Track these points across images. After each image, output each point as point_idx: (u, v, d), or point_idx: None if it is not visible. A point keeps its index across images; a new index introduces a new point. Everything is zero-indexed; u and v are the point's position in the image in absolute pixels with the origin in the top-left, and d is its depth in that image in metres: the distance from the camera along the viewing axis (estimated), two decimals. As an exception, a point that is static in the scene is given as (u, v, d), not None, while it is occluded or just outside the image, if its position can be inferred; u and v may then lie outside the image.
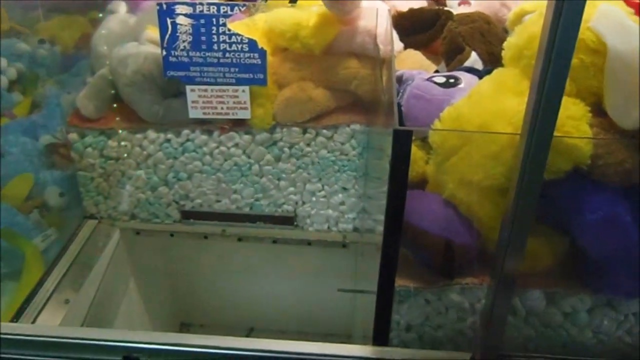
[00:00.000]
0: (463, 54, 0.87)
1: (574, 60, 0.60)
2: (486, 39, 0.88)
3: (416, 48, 1.01)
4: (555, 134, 0.57)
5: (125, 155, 1.11)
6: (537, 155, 0.55)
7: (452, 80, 0.75)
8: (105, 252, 1.13)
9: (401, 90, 0.79)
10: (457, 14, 0.94)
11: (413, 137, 0.74)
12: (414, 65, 0.98)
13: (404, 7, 1.08)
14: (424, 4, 1.13)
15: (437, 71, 0.94)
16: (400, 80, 0.82)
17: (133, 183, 1.13)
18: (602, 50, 0.59)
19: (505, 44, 0.70)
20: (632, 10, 0.63)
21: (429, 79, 0.76)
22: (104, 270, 1.12)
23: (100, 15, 1.21)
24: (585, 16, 0.60)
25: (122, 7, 1.19)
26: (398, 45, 1.01)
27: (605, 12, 0.59)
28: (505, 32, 0.88)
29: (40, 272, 1.04)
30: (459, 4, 1.05)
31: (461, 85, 0.74)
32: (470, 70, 0.79)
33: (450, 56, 0.91)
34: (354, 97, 1.07)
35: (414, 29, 1.00)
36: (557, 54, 0.51)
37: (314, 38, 1.00)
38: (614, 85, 0.58)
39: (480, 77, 0.77)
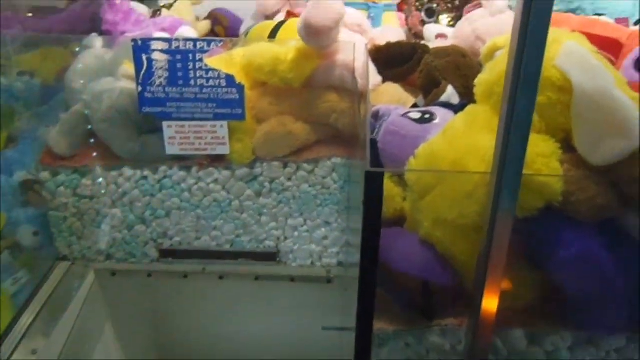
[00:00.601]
0: (439, 88, 0.91)
1: (541, 98, 0.64)
2: (462, 73, 0.92)
3: (394, 81, 1.05)
4: (526, 171, 0.60)
5: (102, 192, 1.12)
6: (507, 193, 0.58)
7: (427, 116, 0.78)
8: (79, 295, 1.14)
9: (377, 126, 0.82)
10: (434, 48, 0.98)
11: (389, 175, 0.78)
12: (392, 98, 1.01)
13: (382, 40, 1.12)
14: (403, 36, 1.17)
15: (415, 104, 0.98)
16: (376, 116, 0.85)
17: (108, 222, 1.14)
18: (569, 88, 0.62)
19: (476, 80, 0.73)
20: (595, 49, 0.66)
21: (405, 115, 0.79)
22: (77, 314, 1.12)
23: (78, 49, 1.24)
24: (550, 54, 0.64)
25: (98, 42, 1.22)
26: (376, 78, 1.05)
27: (570, 50, 0.63)
28: (481, 65, 0.92)
29: (8, 319, 1.03)
30: (436, 37, 1.09)
31: (436, 121, 0.77)
32: (446, 105, 0.83)
33: (428, 90, 0.94)
34: (334, 131, 1.09)
35: (391, 62, 1.04)
36: (521, 93, 0.54)
37: (293, 72, 1.03)
38: (582, 123, 0.61)
39: (456, 112, 0.80)
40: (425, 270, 0.67)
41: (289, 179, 1.11)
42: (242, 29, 1.54)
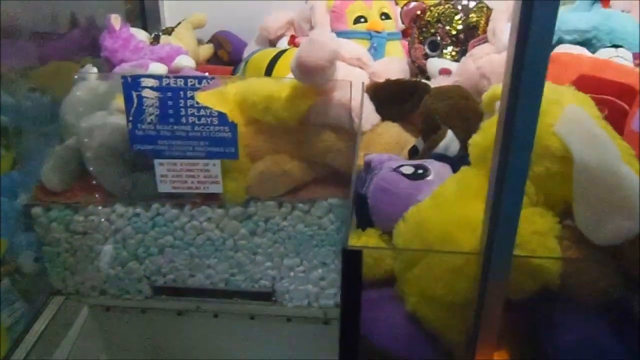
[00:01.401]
0: (439, 133, 0.85)
1: (539, 169, 0.58)
2: (463, 116, 0.86)
3: (394, 120, 0.99)
4: (519, 252, 0.55)
5: (94, 229, 1.09)
6: (496, 276, 0.52)
7: (420, 172, 0.73)
8: (73, 329, 1.11)
9: (368, 180, 0.76)
10: (434, 88, 0.92)
11: (379, 232, 0.73)
12: (390, 139, 0.96)
13: (384, 74, 1.07)
14: (406, 68, 1.11)
15: (414, 146, 0.92)
16: (368, 166, 0.80)
17: (102, 258, 1.11)
18: (570, 158, 0.56)
19: (470, 141, 0.68)
20: (600, 115, 0.60)
21: (397, 169, 0.74)
22: (70, 350, 1.09)
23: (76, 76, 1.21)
24: (550, 118, 0.59)
25: (93, 73, 1.19)
26: (374, 117, 0.99)
27: (572, 116, 0.57)
28: (484, 109, 0.86)
29: (3, 353, 1.01)
30: (440, 72, 1.03)
31: (430, 177, 0.72)
32: (443, 157, 0.77)
33: (427, 133, 0.89)
34: (331, 170, 1.05)
35: (391, 100, 0.99)
36: (512, 168, 0.49)
37: (287, 110, 0.98)
38: (583, 199, 0.55)
39: (452, 165, 0.75)
40: (409, 349, 0.61)
41: (285, 219, 1.06)
42: (245, 53, 1.50)
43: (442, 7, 1.06)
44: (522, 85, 0.49)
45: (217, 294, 1.14)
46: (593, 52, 1.18)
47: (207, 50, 1.53)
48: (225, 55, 1.54)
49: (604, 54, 1.14)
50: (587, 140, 0.54)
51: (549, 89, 0.64)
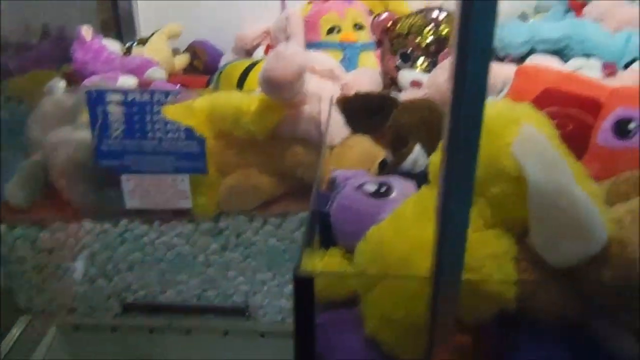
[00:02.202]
0: (406, 148, 0.84)
1: (496, 190, 0.58)
2: (431, 130, 0.85)
3: (364, 133, 0.99)
4: (472, 275, 0.54)
5: (61, 246, 1.08)
6: (445, 300, 0.51)
7: (383, 190, 0.72)
8: (40, 350, 1.09)
9: (332, 197, 0.76)
10: (403, 102, 0.92)
11: (342, 252, 0.72)
12: (360, 152, 0.95)
13: (356, 85, 1.06)
14: (379, 80, 1.11)
15: (384, 159, 0.92)
16: (333, 183, 0.79)
17: (69, 276, 1.09)
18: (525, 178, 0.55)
19: (429, 160, 0.67)
20: (555, 133, 0.60)
21: (360, 187, 0.73)
22: (38, 371, 1.08)
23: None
24: (507, 138, 0.58)
25: (61, 87, 1.17)
26: (344, 131, 0.99)
27: (527, 137, 0.56)
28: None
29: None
30: (411, 84, 1.03)
31: (392, 196, 0.71)
32: (408, 173, 0.77)
33: (395, 147, 0.88)
34: (302, 183, 1.04)
35: (360, 113, 0.98)
36: (456, 187, 0.48)
37: (256, 124, 0.97)
38: (537, 220, 0.54)
39: (418, 182, 0.74)
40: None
41: (256, 233, 1.05)
42: (222, 62, 1.49)
43: (412, 18, 1.06)
44: (463, 100, 0.48)
45: (190, 311, 1.13)
46: (566, 62, 1.19)
47: (182, 59, 1.52)
48: (201, 64, 1.53)
49: (574, 63, 1.15)
50: (541, 161, 0.54)
51: (507, 107, 0.64)
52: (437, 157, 0.64)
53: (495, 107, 0.60)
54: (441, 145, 0.53)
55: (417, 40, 1.03)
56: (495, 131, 0.58)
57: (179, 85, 1.34)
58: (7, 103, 1.23)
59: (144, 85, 1.24)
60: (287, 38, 1.39)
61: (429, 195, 0.63)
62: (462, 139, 0.47)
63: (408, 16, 1.07)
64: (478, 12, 0.43)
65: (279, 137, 1.00)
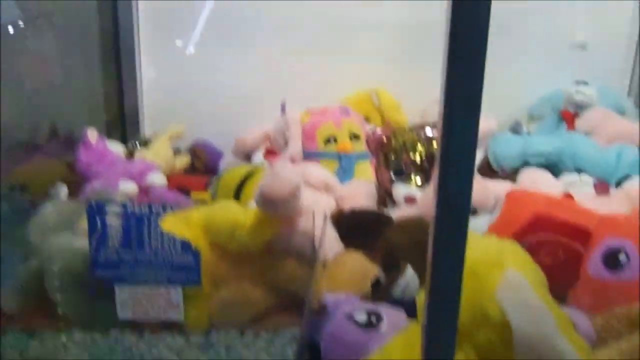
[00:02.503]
0: (399, 269, 0.85)
1: (481, 338, 0.58)
2: (423, 252, 0.86)
3: (358, 249, 1.00)
4: None
5: (50, 356, 1.06)
6: None
7: (373, 320, 0.73)
8: None
9: (323, 323, 0.76)
10: (397, 221, 0.94)
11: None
12: (353, 269, 0.96)
13: (350, 198, 1.09)
14: (374, 192, 1.13)
15: (377, 278, 0.92)
16: (324, 309, 0.79)
17: (57, 386, 1.07)
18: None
19: (417, 295, 0.68)
20: (541, 275, 0.61)
21: (350, 317, 0.74)
22: None
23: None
24: (490, 282, 0.59)
25: (63, 192, 1.20)
26: (337, 246, 1.00)
27: (512, 283, 0.57)
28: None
29: None
30: (405, 200, 1.05)
31: (382, 329, 0.71)
32: (399, 302, 0.77)
33: (388, 267, 0.89)
34: (295, 297, 1.04)
35: (354, 230, 1.00)
36: (438, 325, 0.48)
37: (252, 238, 0.99)
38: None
39: (408, 311, 0.74)
40: None
41: (247, 347, 1.04)
42: (221, 164, 1.53)
43: (406, 135, 1.09)
44: (443, 236, 0.49)
45: None
46: (558, 175, 1.22)
47: (183, 160, 1.56)
48: (202, 165, 1.57)
49: (567, 179, 1.18)
50: (525, 310, 0.55)
51: (491, 247, 0.65)
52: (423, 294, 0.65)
53: (480, 247, 0.62)
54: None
55: (410, 156, 1.06)
56: (480, 274, 0.60)
57: (178, 187, 1.37)
58: (12, 192, 1.26)
59: (144, 191, 1.26)
60: (286, 142, 1.43)
61: (417, 334, 0.63)
62: (443, 275, 0.48)
63: (402, 132, 1.11)
64: (457, 136, 0.46)
65: (273, 251, 1.01)
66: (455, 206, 0.48)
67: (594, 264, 0.79)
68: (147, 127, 1.73)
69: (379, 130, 1.14)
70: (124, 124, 1.69)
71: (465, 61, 0.45)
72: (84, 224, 1.11)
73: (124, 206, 1.00)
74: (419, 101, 1.55)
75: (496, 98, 1.60)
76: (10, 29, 1.32)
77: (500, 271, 0.59)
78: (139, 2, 1.63)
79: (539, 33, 1.67)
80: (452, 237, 0.48)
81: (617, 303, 0.73)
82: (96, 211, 1.01)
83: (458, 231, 0.47)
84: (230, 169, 1.30)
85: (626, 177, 1.16)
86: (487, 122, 1.11)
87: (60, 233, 1.10)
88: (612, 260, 0.78)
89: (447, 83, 0.46)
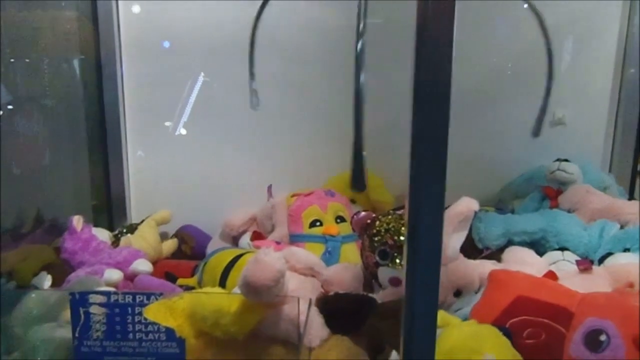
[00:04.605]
0: (383, 354, 0.87)
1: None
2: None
3: (343, 333, 1.01)
4: None
5: None
6: None
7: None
8: None
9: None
10: (380, 304, 0.96)
11: None
12: (340, 355, 0.97)
13: (336, 282, 1.11)
14: (359, 275, 1.16)
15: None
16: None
17: None
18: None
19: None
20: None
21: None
22: None
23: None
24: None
25: (47, 281, 1.22)
26: (323, 332, 1.01)
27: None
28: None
29: None
30: (390, 282, 1.08)
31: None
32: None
33: (373, 351, 0.91)
34: (282, 385, 1.04)
35: (340, 314, 1.01)
36: None
37: (236, 325, 1.00)
38: None
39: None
40: None
41: None
42: (209, 248, 1.55)
43: (390, 217, 1.13)
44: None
45: None
46: (542, 253, 1.25)
47: (170, 245, 1.58)
48: (189, 249, 1.59)
49: (551, 257, 1.21)
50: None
51: (470, 333, 0.68)
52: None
53: (459, 333, 0.65)
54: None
55: (394, 239, 1.09)
56: (459, 361, 0.62)
57: (165, 272, 1.39)
58: (-2, 280, 1.27)
59: (129, 278, 1.28)
60: (273, 226, 1.47)
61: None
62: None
63: (385, 215, 1.15)
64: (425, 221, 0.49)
65: (258, 337, 1.03)
66: (423, 293, 0.51)
67: (575, 345, 0.81)
68: (133, 212, 1.76)
69: (362, 213, 1.18)
70: (110, 209, 1.72)
71: (430, 140, 0.50)
72: (67, 314, 1.13)
73: (108, 296, 1.02)
74: (405, 179, 1.60)
75: (479, 176, 1.68)
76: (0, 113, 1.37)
77: (479, 356, 0.61)
78: (125, 88, 1.71)
79: (520, 110, 1.75)
80: (423, 326, 0.50)
81: (601, 385, 0.75)
82: (79, 302, 1.03)
83: (428, 319, 0.50)
84: (217, 253, 1.33)
85: (608, 254, 1.19)
86: (469, 202, 1.15)
87: (44, 324, 1.12)
88: (593, 341, 0.80)
89: (412, 161, 0.50)
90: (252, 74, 1.35)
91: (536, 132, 1.12)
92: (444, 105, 0.49)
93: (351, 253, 1.30)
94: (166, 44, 1.70)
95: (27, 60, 1.51)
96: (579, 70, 1.74)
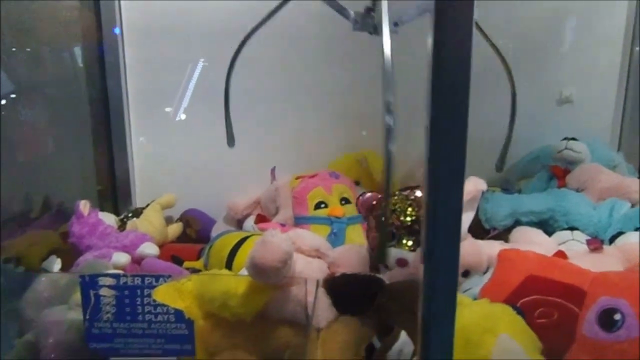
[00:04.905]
0: (392, 335, 0.87)
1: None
2: (416, 317, 0.88)
3: (351, 314, 1.01)
4: None
5: None
6: None
7: (367, 387, 0.73)
8: None
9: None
10: (388, 285, 0.96)
11: None
12: (347, 337, 0.97)
13: (342, 263, 1.11)
14: (365, 255, 1.16)
15: (371, 344, 0.93)
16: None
17: None
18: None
19: None
20: (532, 337, 0.63)
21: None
22: None
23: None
24: (484, 349, 0.61)
25: (57, 265, 1.22)
26: (330, 313, 1.01)
27: (505, 348, 0.59)
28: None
29: None
30: (397, 263, 1.08)
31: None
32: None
33: (382, 332, 0.90)
34: (290, 366, 1.04)
35: (347, 295, 1.01)
36: None
37: (244, 307, 1.01)
38: None
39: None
40: None
41: (242, 420, 1.04)
42: (213, 231, 1.55)
43: (396, 197, 1.12)
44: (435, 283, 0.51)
45: None
46: (550, 233, 1.24)
47: (176, 229, 1.58)
48: (194, 233, 1.59)
49: (560, 237, 1.20)
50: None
51: (484, 312, 0.67)
52: (416, 361, 0.67)
53: (472, 312, 0.64)
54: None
55: (400, 219, 1.09)
56: (474, 341, 0.62)
57: (170, 256, 1.39)
58: (7, 265, 1.27)
59: (136, 261, 1.28)
60: (277, 209, 1.47)
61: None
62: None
63: (391, 195, 1.14)
64: (443, 197, 0.49)
65: (266, 319, 1.03)
66: (443, 269, 0.50)
67: (588, 324, 0.80)
68: (138, 197, 1.76)
69: (368, 194, 1.17)
70: (115, 194, 1.73)
71: (448, 120, 0.49)
72: (77, 297, 1.13)
73: (117, 279, 1.02)
74: (408, 161, 1.60)
75: (485, 157, 1.67)
76: (2, 102, 1.37)
77: (493, 337, 0.61)
78: (128, 72, 1.70)
79: (526, 89, 1.73)
80: (442, 302, 0.50)
81: (614, 363, 0.74)
82: (89, 285, 1.03)
83: (448, 296, 0.50)
84: (222, 236, 1.33)
85: (619, 233, 1.18)
86: (477, 182, 1.14)
87: (54, 306, 1.12)
88: (607, 320, 0.79)
89: (430, 142, 0.49)
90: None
91: (499, 166, 1.10)
92: (464, 76, 0.48)
93: (356, 234, 1.29)
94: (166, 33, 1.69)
95: (29, 49, 1.50)
96: (587, 47, 1.73)
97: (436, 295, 0.53)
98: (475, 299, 0.91)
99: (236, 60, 1.21)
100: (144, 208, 1.55)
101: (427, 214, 0.49)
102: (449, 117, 0.48)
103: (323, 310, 1.01)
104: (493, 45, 1.08)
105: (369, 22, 1.05)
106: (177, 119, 1.70)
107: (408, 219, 1.09)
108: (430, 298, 0.51)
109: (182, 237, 1.61)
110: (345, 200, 1.35)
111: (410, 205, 1.10)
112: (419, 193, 1.12)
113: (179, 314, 1.03)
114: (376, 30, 1.03)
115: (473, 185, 1.12)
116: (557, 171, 1.50)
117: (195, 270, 1.31)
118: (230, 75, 1.20)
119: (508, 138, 0.91)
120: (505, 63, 1.07)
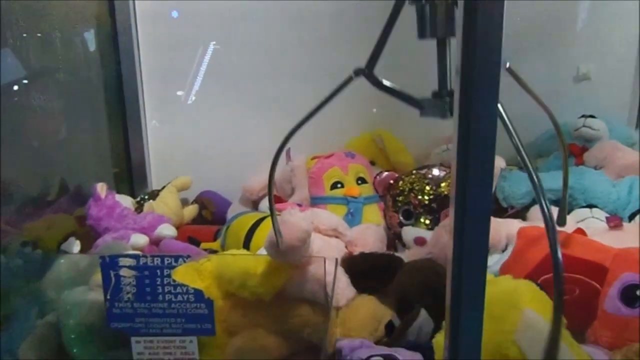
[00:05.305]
0: (412, 313, 0.87)
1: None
2: (435, 294, 0.88)
3: (370, 293, 1.02)
4: None
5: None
6: None
7: (389, 364, 0.74)
8: None
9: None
10: (407, 263, 0.96)
11: None
12: (366, 314, 0.98)
13: (360, 243, 1.11)
14: (383, 235, 1.16)
15: (391, 321, 0.93)
16: (340, 354, 0.81)
17: None
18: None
19: (434, 340, 0.69)
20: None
21: (366, 361, 0.75)
22: None
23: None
24: (509, 324, 0.61)
25: (76, 247, 1.23)
26: (350, 291, 1.02)
27: (530, 324, 0.59)
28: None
29: None
30: (415, 242, 1.07)
31: (398, 373, 0.73)
32: (415, 345, 0.79)
33: (401, 311, 0.91)
34: (309, 344, 1.05)
35: (366, 273, 1.02)
36: None
37: (263, 286, 1.01)
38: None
39: (425, 354, 0.75)
40: None
41: (263, 397, 1.05)
42: (229, 213, 1.55)
43: (413, 176, 1.12)
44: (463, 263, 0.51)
45: None
46: (569, 211, 1.23)
47: (191, 211, 1.59)
48: (210, 215, 1.60)
49: (579, 214, 1.19)
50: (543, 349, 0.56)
51: (508, 288, 0.67)
52: (441, 337, 0.67)
53: (496, 288, 0.64)
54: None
55: (418, 198, 1.09)
56: (498, 316, 0.61)
57: (187, 238, 1.40)
58: (24, 247, 1.28)
59: (154, 243, 1.29)
60: (293, 189, 1.46)
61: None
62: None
63: (409, 174, 1.14)
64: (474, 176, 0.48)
65: (285, 298, 1.04)
66: (474, 247, 0.50)
67: (611, 300, 0.80)
68: (154, 179, 1.77)
69: (385, 173, 1.17)
70: (131, 176, 1.73)
71: (479, 102, 0.48)
72: (98, 277, 1.15)
73: (137, 259, 1.03)
74: (424, 140, 1.59)
75: (502, 135, 1.65)
76: (15, 88, 1.37)
77: (517, 312, 0.61)
78: (142, 54, 1.70)
79: (542, 66, 1.71)
80: (471, 280, 0.50)
81: (635, 339, 0.74)
82: (110, 265, 1.04)
83: (477, 272, 0.50)
84: (239, 217, 1.33)
85: (638, 211, 1.17)
86: (495, 160, 1.13)
87: (75, 287, 1.13)
88: (629, 296, 0.79)
89: (460, 122, 0.48)
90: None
91: (561, 223, 1.05)
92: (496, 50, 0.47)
93: (373, 214, 1.29)
94: (175, 14, 1.68)
95: (42, 34, 1.50)
96: (604, 22, 1.70)
97: (467, 273, 0.52)
98: (495, 276, 0.91)
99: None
100: (160, 190, 1.55)
101: (456, 190, 0.48)
102: (480, 92, 0.47)
103: (342, 289, 1.02)
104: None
105: None
106: (192, 100, 1.70)
107: (426, 197, 1.09)
108: (460, 275, 0.51)
109: (198, 219, 1.61)
110: (361, 180, 1.35)
111: (427, 184, 1.10)
112: (436, 171, 1.12)
113: (198, 293, 1.04)
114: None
115: (491, 163, 1.11)
116: (575, 149, 1.48)
117: (212, 251, 1.32)
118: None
119: (564, 197, 0.90)
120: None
